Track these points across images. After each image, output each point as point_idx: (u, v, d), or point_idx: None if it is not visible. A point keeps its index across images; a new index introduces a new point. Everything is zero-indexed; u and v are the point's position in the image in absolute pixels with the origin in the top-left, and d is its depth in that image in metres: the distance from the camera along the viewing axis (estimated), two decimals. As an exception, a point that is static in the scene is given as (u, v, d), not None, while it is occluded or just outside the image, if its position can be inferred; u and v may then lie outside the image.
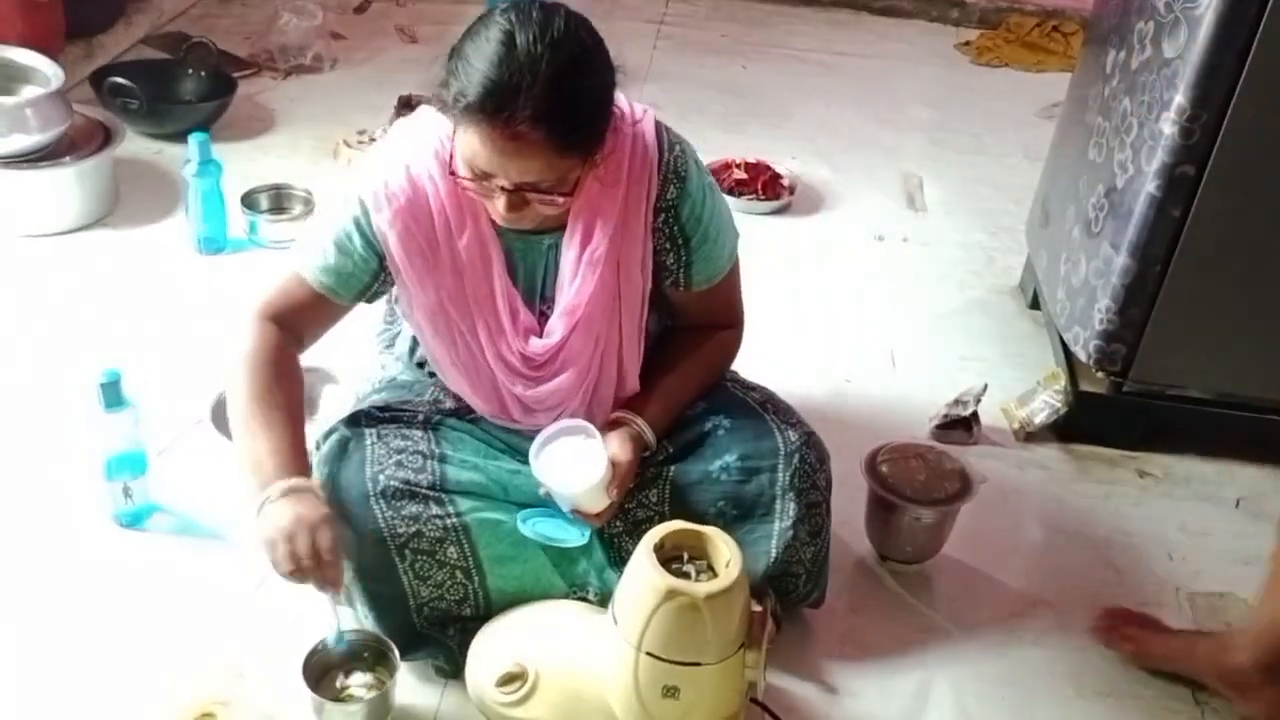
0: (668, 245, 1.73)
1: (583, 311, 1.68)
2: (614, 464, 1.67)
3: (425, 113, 1.66)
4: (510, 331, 1.69)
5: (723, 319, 1.87)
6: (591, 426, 1.68)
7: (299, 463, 1.60)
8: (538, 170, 1.48)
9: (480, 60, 1.44)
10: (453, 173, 1.54)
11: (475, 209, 1.63)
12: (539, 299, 1.73)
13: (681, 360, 1.82)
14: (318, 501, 1.56)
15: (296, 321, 1.71)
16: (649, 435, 1.75)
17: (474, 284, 1.67)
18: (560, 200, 1.54)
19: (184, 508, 1.99)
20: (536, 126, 1.43)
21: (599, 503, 1.68)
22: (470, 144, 1.48)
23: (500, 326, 1.69)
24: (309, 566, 1.51)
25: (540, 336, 1.71)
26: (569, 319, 1.69)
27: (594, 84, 1.50)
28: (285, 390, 1.65)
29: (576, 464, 1.66)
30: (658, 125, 1.70)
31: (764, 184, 3.16)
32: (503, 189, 1.50)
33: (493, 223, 1.64)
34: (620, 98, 1.60)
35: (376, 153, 1.72)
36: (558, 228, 1.67)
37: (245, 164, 3.01)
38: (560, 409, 1.75)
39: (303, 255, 1.70)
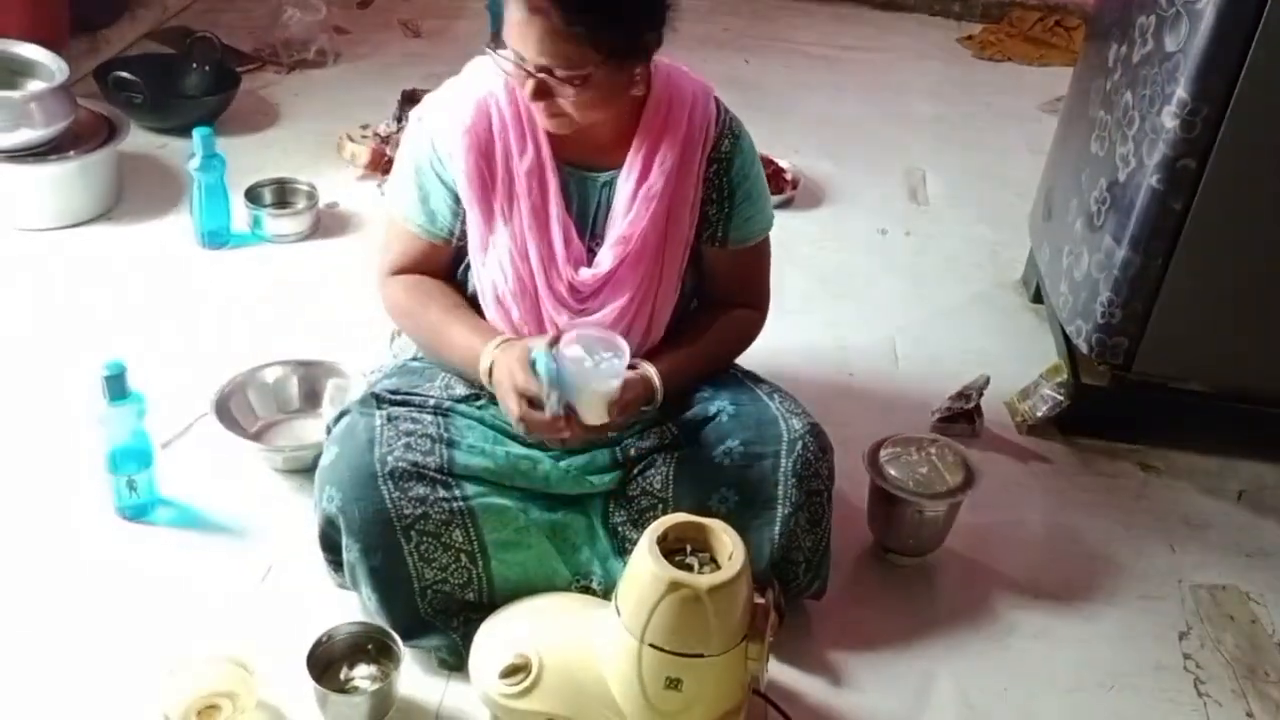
0: (714, 195, 1.80)
1: (634, 244, 1.75)
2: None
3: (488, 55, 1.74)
4: (562, 257, 1.75)
5: (749, 295, 1.91)
6: (625, 345, 1.67)
7: (491, 330, 1.76)
8: (551, 51, 1.56)
9: None
10: (493, 45, 1.62)
11: (537, 135, 1.72)
12: (590, 236, 1.78)
13: (702, 332, 1.86)
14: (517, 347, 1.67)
15: (419, 269, 1.84)
16: (657, 382, 1.75)
17: (530, 209, 1.74)
18: (574, 95, 1.60)
19: (188, 501, 2.00)
20: (554, 3, 1.52)
21: (597, 410, 1.66)
22: (507, 21, 1.58)
23: (553, 253, 1.75)
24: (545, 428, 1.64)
25: (589, 268, 1.76)
26: (620, 249, 1.75)
27: None
28: (443, 295, 1.81)
29: (597, 361, 1.66)
30: (715, 94, 1.82)
31: (767, 178, 3.14)
32: (527, 73, 1.59)
33: (554, 154, 1.73)
34: (686, 69, 1.79)
35: (442, 89, 1.80)
36: (614, 166, 1.74)
37: (249, 158, 3.02)
38: None
39: (398, 208, 1.82)
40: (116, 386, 1.82)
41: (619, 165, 1.76)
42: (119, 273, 2.60)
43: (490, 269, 1.78)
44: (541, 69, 1.58)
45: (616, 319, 1.77)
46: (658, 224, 1.76)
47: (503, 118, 1.73)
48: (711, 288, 1.90)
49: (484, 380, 1.72)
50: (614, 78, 1.63)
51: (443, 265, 1.85)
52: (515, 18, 1.57)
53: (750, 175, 1.83)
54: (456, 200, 1.78)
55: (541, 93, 1.61)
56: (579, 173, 1.77)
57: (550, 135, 1.72)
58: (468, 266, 1.84)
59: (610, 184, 1.77)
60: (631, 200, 1.75)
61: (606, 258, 1.76)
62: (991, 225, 3.13)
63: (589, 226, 1.79)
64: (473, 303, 1.85)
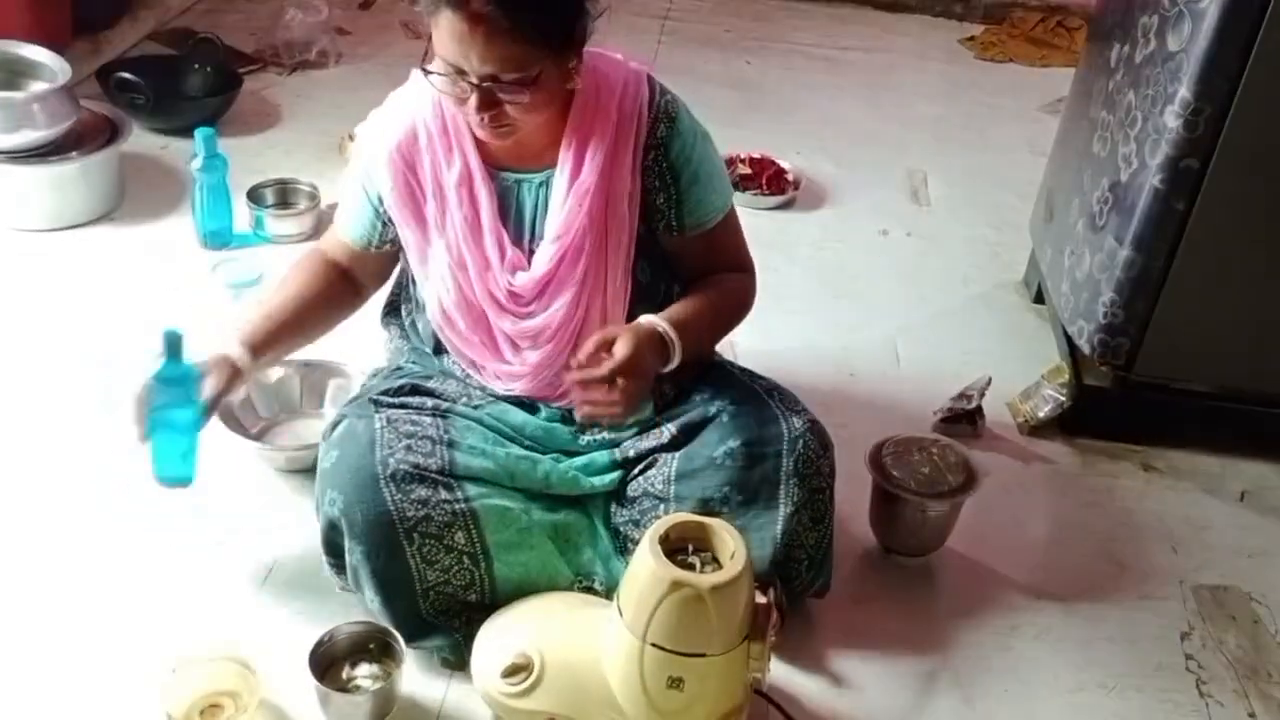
0: (657, 184, 1.76)
1: (570, 240, 1.72)
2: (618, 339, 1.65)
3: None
4: (498, 266, 1.75)
5: (728, 267, 1.87)
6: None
7: (248, 331, 1.76)
8: (497, 58, 1.52)
9: None
10: (426, 71, 1.59)
11: (464, 145, 1.71)
12: (530, 238, 1.77)
13: (697, 290, 1.82)
14: (221, 368, 1.71)
15: (349, 269, 1.88)
16: (663, 327, 1.70)
17: (463, 220, 1.73)
18: (527, 98, 1.57)
19: (190, 500, 2.00)
20: (492, 5, 1.48)
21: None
22: (439, 39, 1.54)
23: (488, 262, 1.75)
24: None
25: (527, 271, 1.76)
26: (555, 248, 1.73)
27: None
28: (292, 281, 1.84)
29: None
30: (650, 76, 1.76)
31: (768, 179, 3.16)
32: (472, 85, 1.55)
33: (484, 163, 1.72)
34: (617, 55, 1.74)
35: (382, 106, 1.80)
36: (549, 165, 1.72)
37: (251, 159, 3.02)
38: (550, 345, 1.77)
39: (339, 211, 1.87)
40: (175, 351, 1.82)
41: (553, 165, 1.73)
42: (121, 274, 2.60)
43: (432, 282, 1.79)
44: (487, 79, 1.54)
45: (564, 320, 1.76)
46: (595, 219, 1.72)
47: (429, 132, 1.72)
48: (688, 272, 1.86)
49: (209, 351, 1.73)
50: (558, 73, 1.60)
51: (367, 269, 1.90)
52: (453, 30, 1.51)
53: (694, 157, 1.76)
54: (377, 215, 1.81)
55: (488, 103, 1.57)
56: (514, 175, 1.75)
57: (480, 143, 1.71)
58: (412, 280, 1.87)
59: (547, 184, 1.74)
60: (564, 198, 1.72)
61: (542, 259, 1.74)
62: (993, 226, 3.13)
63: (530, 229, 1.77)
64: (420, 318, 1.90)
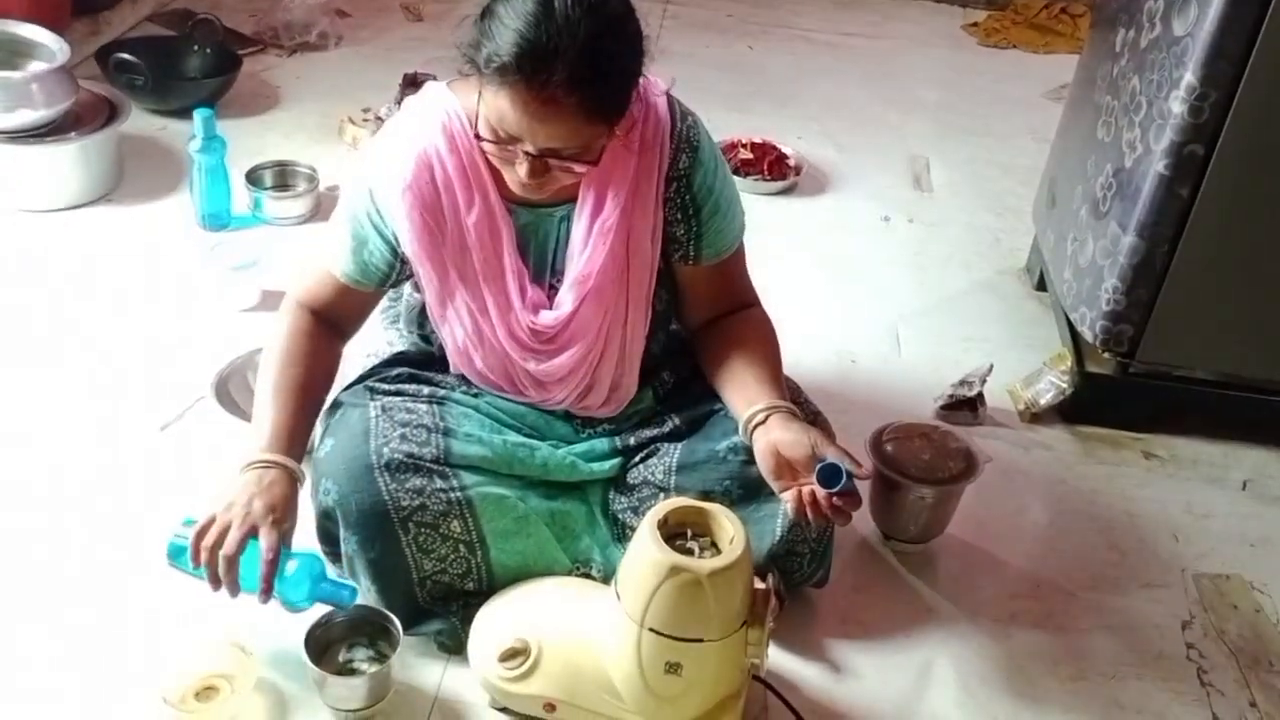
0: (679, 215, 1.70)
1: (593, 282, 1.67)
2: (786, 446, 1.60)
3: (431, 89, 1.67)
4: (519, 307, 1.69)
5: (735, 300, 1.82)
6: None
7: (286, 442, 1.63)
8: (565, 136, 1.45)
9: (516, 20, 1.40)
10: (478, 135, 1.52)
11: (484, 183, 1.63)
12: (550, 273, 1.72)
13: (746, 342, 1.76)
14: (281, 485, 1.58)
15: (331, 311, 1.76)
16: (788, 404, 1.67)
17: (483, 261, 1.66)
18: (580, 169, 1.52)
19: (187, 483, 1.99)
20: (571, 92, 1.40)
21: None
22: (499, 107, 1.44)
23: (509, 303, 1.69)
24: (209, 556, 1.53)
25: (550, 309, 1.70)
26: (579, 289, 1.68)
27: (627, 50, 1.48)
28: (297, 371, 1.70)
29: None
30: (669, 96, 1.69)
31: (770, 164, 3.14)
32: (527, 154, 1.48)
33: (502, 198, 1.64)
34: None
35: (382, 135, 1.71)
36: (569, 199, 1.67)
37: (250, 141, 3.00)
38: (569, 382, 1.74)
39: (327, 248, 1.74)
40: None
41: (573, 198, 1.66)
42: (119, 255, 2.58)
43: (450, 322, 1.73)
44: (547, 152, 1.47)
45: (584, 355, 1.72)
46: (617, 256, 1.66)
47: (445, 171, 1.62)
48: (692, 302, 1.81)
49: (240, 459, 1.61)
50: (612, 137, 1.54)
51: (359, 308, 1.79)
52: (522, 105, 1.41)
53: (715, 188, 1.71)
54: (394, 252, 1.69)
55: (541, 170, 1.49)
56: (533, 211, 1.67)
57: (497, 179, 1.61)
58: (426, 315, 1.78)
59: (567, 218, 1.67)
60: (587, 236, 1.65)
61: (567, 299, 1.69)
62: (995, 213, 3.12)
63: (550, 263, 1.71)
64: (439, 354, 1.81)
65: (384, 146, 1.67)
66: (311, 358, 1.73)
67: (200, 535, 1.54)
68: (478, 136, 1.52)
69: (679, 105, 1.70)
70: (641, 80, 1.57)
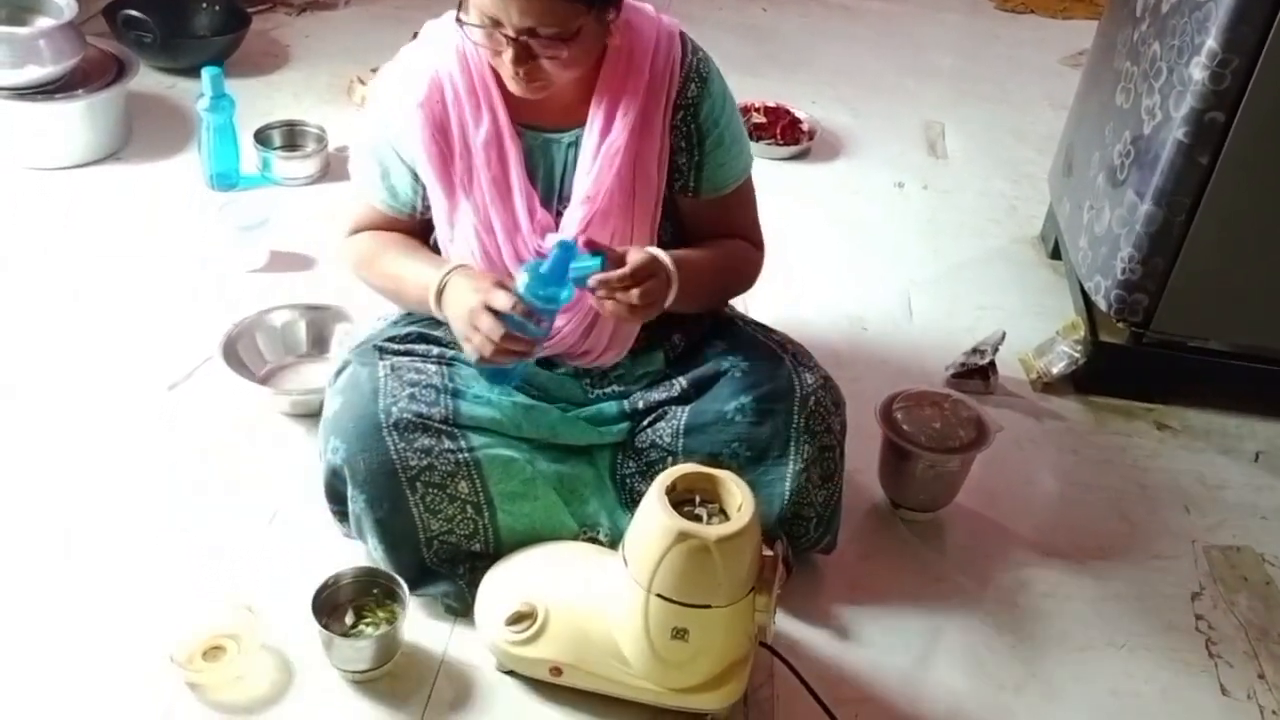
0: (683, 144, 1.72)
1: (600, 203, 1.68)
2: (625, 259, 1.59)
3: (446, 18, 1.67)
4: (527, 229, 1.69)
5: (738, 237, 1.82)
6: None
7: (437, 264, 1.71)
8: (539, 11, 1.47)
9: None
10: (459, 20, 1.54)
11: (493, 102, 1.66)
12: (557, 199, 1.73)
13: (703, 245, 1.76)
14: (462, 273, 1.65)
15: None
16: (665, 259, 1.63)
17: (490, 181, 1.68)
18: (565, 53, 1.52)
19: (195, 443, 1.98)
20: None
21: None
22: None
23: (516, 224, 1.69)
24: (496, 348, 1.56)
25: (556, 233, 1.69)
26: (585, 209, 1.68)
27: None
28: (403, 241, 1.78)
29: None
30: (683, 34, 1.71)
31: (783, 129, 3.12)
32: (508, 39, 1.50)
33: (512, 120, 1.66)
34: (649, 8, 1.68)
35: (395, 61, 1.73)
36: (577, 124, 1.68)
37: (258, 100, 2.99)
38: (575, 310, 1.73)
39: (357, 182, 1.79)
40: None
41: (582, 123, 1.68)
42: (127, 213, 2.57)
43: (458, 244, 1.73)
44: (524, 32, 1.49)
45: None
46: (623, 180, 1.68)
47: (456, 90, 1.65)
48: (698, 237, 1.80)
49: (432, 303, 1.66)
50: (597, 28, 1.55)
51: (414, 233, 1.81)
52: None
53: (720, 121, 1.72)
54: (416, 177, 1.73)
55: (525, 57, 1.52)
56: (541, 135, 1.69)
57: (508, 100, 1.64)
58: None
59: (575, 143, 1.69)
60: (594, 158, 1.67)
61: (572, 220, 1.69)
62: (1010, 180, 3.09)
63: (557, 189, 1.72)
64: None
65: (397, 70, 1.71)
66: (393, 238, 1.79)
67: (479, 349, 1.57)
68: (460, 20, 1.54)
69: (691, 41, 1.72)
70: (648, 9, 1.66)
